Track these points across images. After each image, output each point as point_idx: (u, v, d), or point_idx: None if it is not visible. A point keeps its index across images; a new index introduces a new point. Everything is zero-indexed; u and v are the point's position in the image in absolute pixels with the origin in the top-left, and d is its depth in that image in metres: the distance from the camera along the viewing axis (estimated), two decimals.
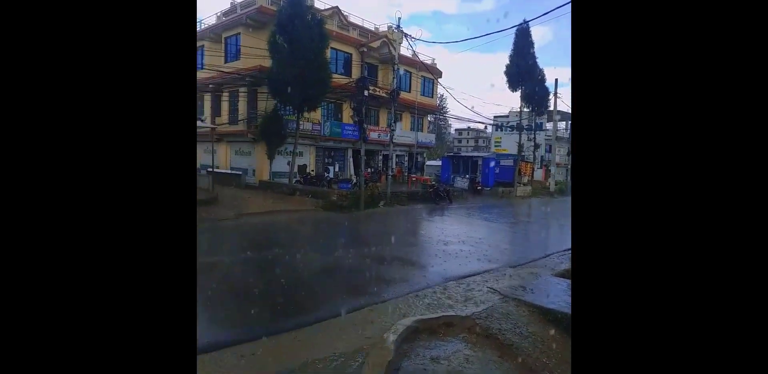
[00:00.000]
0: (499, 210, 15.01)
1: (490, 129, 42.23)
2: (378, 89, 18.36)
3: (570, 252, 5.83)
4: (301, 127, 15.14)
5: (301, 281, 5.23)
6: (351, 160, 19.59)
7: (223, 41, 17.52)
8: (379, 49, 19.46)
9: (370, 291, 4.82)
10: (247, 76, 15.28)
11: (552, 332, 3.86)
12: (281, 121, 14.99)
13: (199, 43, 17.79)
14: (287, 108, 14.94)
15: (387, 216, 12.30)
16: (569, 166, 28.26)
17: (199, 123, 13.26)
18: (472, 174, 20.98)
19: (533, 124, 24.00)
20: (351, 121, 16.98)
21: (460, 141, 71.68)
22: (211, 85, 17.28)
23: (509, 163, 22.54)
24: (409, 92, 21.45)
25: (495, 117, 33.54)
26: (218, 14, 19.48)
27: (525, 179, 22.72)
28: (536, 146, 24.76)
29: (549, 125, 27.07)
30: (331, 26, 17.03)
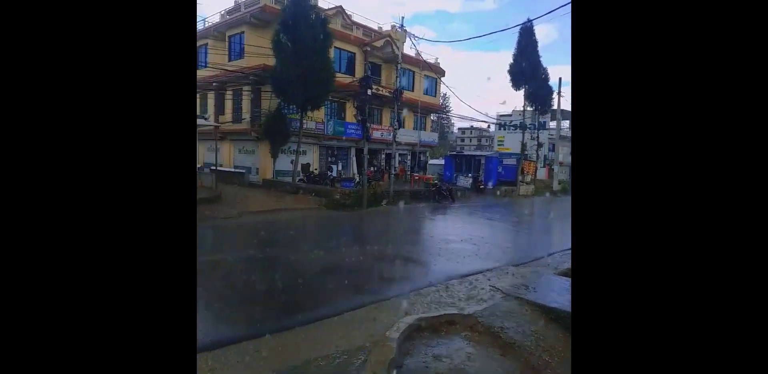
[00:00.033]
0: (502, 209, 14.99)
1: (493, 128, 42.24)
2: (381, 88, 18.38)
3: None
4: (305, 126, 15.16)
5: (304, 279, 5.25)
6: (354, 158, 19.61)
7: (227, 39, 17.54)
8: (383, 49, 19.47)
9: (373, 290, 4.85)
10: (251, 75, 15.30)
11: (554, 330, 3.87)
12: (285, 120, 15.00)
13: (203, 42, 17.84)
14: (291, 107, 14.96)
15: (390, 215, 12.30)
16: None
17: (202, 121, 13.30)
18: (474, 173, 20.92)
19: (536, 123, 23.92)
20: (354, 120, 16.97)
21: (463, 140, 71.54)
22: (214, 84, 17.31)
23: (512, 162, 22.45)
24: (413, 91, 21.44)
25: (498, 116, 33.49)
26: (222, 12, 19.51)
27: (528, 178, 22.67)
28: (539, 145, 24.68)
29: (552, 124, 26.98)
30: (335, 25, 17.03)
